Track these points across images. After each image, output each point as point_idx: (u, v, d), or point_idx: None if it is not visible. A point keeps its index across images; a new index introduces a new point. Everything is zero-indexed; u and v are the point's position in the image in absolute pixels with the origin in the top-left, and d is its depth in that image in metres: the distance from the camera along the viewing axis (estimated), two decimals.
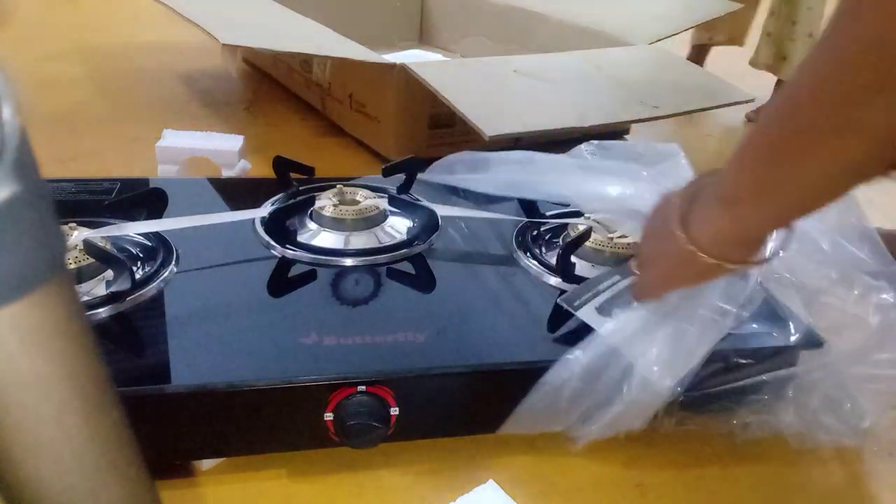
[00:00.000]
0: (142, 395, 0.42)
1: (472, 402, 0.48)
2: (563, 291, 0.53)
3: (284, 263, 0.56)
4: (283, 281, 0.54)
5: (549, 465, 0.48)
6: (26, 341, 0.24)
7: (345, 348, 0.46)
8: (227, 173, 0.78)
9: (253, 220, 0.59)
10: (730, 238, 0.42)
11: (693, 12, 1.10)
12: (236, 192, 0.68)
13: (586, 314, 0.50)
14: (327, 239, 0.58)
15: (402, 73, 0.82)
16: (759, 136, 0.40)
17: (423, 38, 1.40)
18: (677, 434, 0.50)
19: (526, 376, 0.47)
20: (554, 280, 0.55)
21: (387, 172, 0.66)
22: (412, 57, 1.07)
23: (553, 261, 0.56)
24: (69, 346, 0.25)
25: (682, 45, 1.06)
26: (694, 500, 0.46)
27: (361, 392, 0.44)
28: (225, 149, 0.78)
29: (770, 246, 0.44)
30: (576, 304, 0.50)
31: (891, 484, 0.49)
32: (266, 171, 0.66)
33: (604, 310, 0.50)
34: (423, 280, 0.56)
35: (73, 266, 0.50)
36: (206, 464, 0.46)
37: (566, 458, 0.49)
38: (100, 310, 0.47)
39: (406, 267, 0.57)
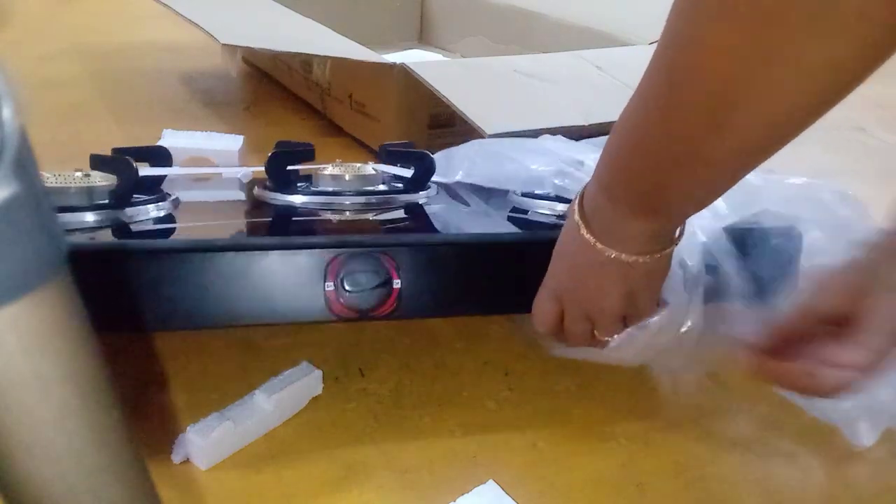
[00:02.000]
0: (138, 250, 0.43)
1: (475, 278, 0.48)
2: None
3: (285, 208, 0.57)
4: (285, 222, 0.56)
5: (549, 465, 0.48)
6: (26, 341, 0.24)
7: (346, 224, 0.48)
8: (227, 173, 0.78)
9: (254, 181, 0.61)
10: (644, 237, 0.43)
11: None
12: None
13: None
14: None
15: (402, 73, 0.82)
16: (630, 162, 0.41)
17: (423, 38, 1.40)
18: (677, 434, 0.50)
19: (530, 250, 0.48)
20: (561, 206, 0.56)
21: (382, 151, 0.67)
22: (412, 57, 1.06)
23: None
24: (69, 346, 0.25)
25: None
26: (694, 500, 0.46)
27: (362, 253, 0.44)
28: (225, 149, 0.78)
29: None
30: None
31: (892, 484, 0.49)
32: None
33: None
34: (423, 224, 0.57)
35: (81, 186, 0.50)
36: (207, 463, 0.46)
37: (566, 458, 0.49)
38: (107, 212, 0.49)
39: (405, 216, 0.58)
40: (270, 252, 0.43)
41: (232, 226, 0.54)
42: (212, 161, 0.78)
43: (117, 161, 0.51)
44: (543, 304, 0.48)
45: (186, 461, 0.46)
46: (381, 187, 0.61)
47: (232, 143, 0.79)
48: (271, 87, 1.15)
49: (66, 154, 0.88)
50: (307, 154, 0.61)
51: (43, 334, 0.24)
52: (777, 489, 0.48)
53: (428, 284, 0.46)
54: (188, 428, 0.46)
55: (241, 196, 0.63)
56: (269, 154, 0.59)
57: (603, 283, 0.45)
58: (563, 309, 0.48)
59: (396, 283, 0.44)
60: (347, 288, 0.43)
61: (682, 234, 0.45)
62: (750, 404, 0.54)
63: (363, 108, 0.92)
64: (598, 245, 0.43)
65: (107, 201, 0.50)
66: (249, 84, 1.18)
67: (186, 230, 0.52)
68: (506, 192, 0.60)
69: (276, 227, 0.55)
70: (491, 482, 0.45)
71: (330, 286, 0.44)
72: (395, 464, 0.47)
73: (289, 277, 0.44)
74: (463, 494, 0.44)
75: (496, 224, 0.55)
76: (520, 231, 0.49)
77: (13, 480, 0.25)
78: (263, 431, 0.48)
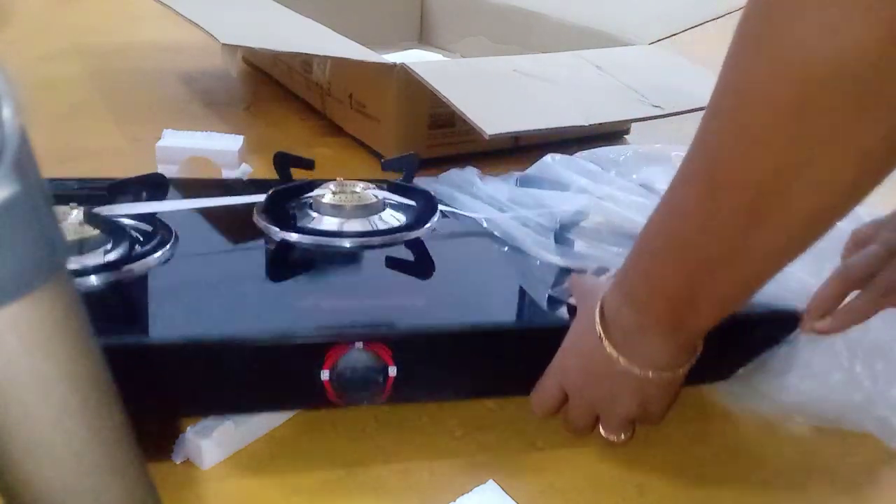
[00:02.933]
0: (136, 346, 0.42)
1: (472, 364, 0.47)
2: (564, 269, 0.54)
3: (283, 246, 0.56)
4: (282, 262, 0.55)
5: (549, 465, 0.48)
6: (26, 341, 0.24)
7: (343, 308, 0.46)
8: (227, 174, 0.78)
9: (253, 207, 0.60)
10: (665, 353, 0.42)
11: (693, 12, 1.10)
12: (236, 191, 0.68)
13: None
14: (326, 224, 0.59)
15: (402, 73, 0.82)
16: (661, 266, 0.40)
17: (423, 38, 1.40)
18: (677, 434, 0.50)
19: (528, 338, 0.47)
20: (555, 258, 0.55)
21: (386, 166, 0.66)
22: (412, 57, 1.06)
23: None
24: (69, 345, 0.25)
25: (683, 45, 1.06)
26: (694, 500, 0.46)
27: (359, 349, 0.44)
28: (225, 149, 0.78)
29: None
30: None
31: (893, 484, 0.49)
32: (266, 171, 0.66)
33: None
34: (422, 262, 0.56)
35: (73, 237, 0.50)
36: (207, 463, 0.46)
37: (566, 459, 0.49)
38: (96, 276, 0.47)
39: (405, 252, 0.57)
40: (266, 344, 0.43)
41: (230, 266, 0.53)
42: (212, 162, 0.78)
43: (113, 227, 0.50)
44: (547, 391, 0.47)
45: (186, 461, 0.46)
46: (384, 215, 0.60)
47: (232, 143, 0.79)
48: (271, 87, 1.15)
49: (67, 154, 0.88)
50: (307, 187, 0.61)
51: (43, 334, 0.24)
52: (777, 489, 0.48)
53: (424, 372, 0.46)
54: (188, 428, 0.46)
55: (241, 203, 0.62)
56: (267, 194, 0.59)
57: (618, 391, 0.44)
58: (568, 400, 0.47)
59: (392, 371, 0.44)
60: (343, 381, 0.43)
61: (700, 349, 0.44)
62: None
63: (363, 108, 0.92)
64: (622, 360, 0.43)
65: (102, 260, 0.49)
66: (249, 84, 1.18)
67: (183, 272, 0.51)
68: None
69: (275, 265, 0.54)
70: (491, 482, 0.45)
71: (326, 375, 0.44)
72: (395, 464, 0.47)
73: (285, 367, 0.44)
74: (463, 494, 0.44)
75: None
76: (518, 320, 0.48)
77: (13, 480, 0.25)
78: (263, 431, 0.48)
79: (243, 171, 0.79)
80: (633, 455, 0.49)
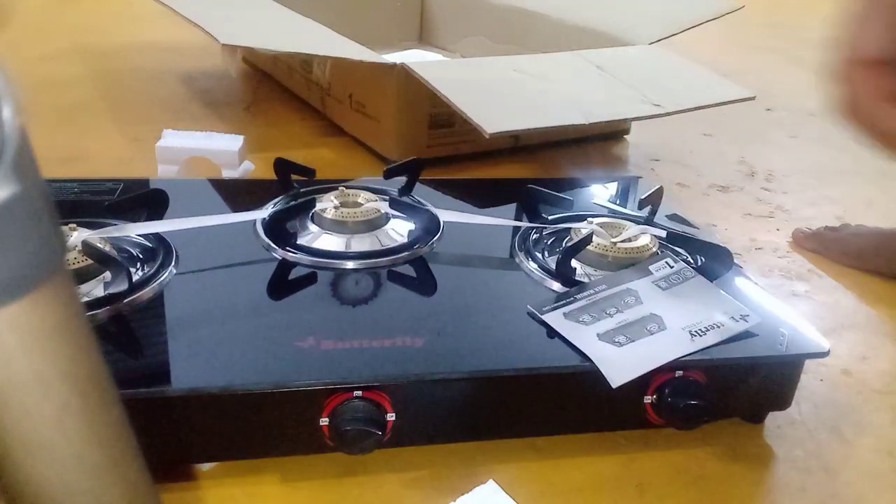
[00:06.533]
0: (136, 398, 0.41)
1: (469, 409, 0.47)
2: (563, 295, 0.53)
3: (284, 266, 0.56)
4: (282, 283, 0.54)
5: (549, 466, 0.48)
6: (26, 341, 0.24)
7: (342, 353, 0.46)
8: (227, 173, 0.78)
9: (254, 222, 0.59)
10: None
11: (693, 12, 1.10)
12: (236, 194, 0.68)
13: (552, 319, 0.50)
14: (328, 241, 0.58)
15: (402, 73, 0.82)
16: None
17: (423, 38, 1.40)
18: (677, 434, 0.50)
19: (524, 383, 0.47)
20: (556, 285, 0.55)
21: (388, 174, 0.66)
22: (412, 57, 1.07)
23: (555, 265, 0.56)
24: (69, 346, 0.25)
25: (683, 45, 1.06)
26: (694, 500, 0.46)
27: (357, 398, 0.44)
28: (225, 149, 0.78)
29: None
30: (543, 308, 0.51)
31: (892, 484, 0.49)
32: (266, 171, 0.66)
33: (571, 315, 0.50)
34: (423, 283, 0.56)
35: (72, 267, 0.50)
36: (207, 464, 0.46)
37: (566, 459, 0.49)
38: (97, 311, 0.47)
39: (407, 270, 0.57)
40: (267, 392, 0.43)
41: (229, 295, 0.52)
42: (212, 161, 0.78)
43: (112, 261, 0.50)
44: None
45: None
46: (388, 229, 0.60)
47: (232, 142, 0.79)
48: (271, 87, 1.15)
49: (67, 154, 0.88)
50: (308, 204, 0.61)
51: (43, 334, 0.24)
52: (777, 489, 0.48)
53: (421, 416, 0.46)
54: None
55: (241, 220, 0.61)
56: (268, 214, 0.59)
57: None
58: None
59: (390, 416, 0.44)
60: (342, 428, 0.43)
61: None
62: None
63: (363, 108, 0.92)
64: None
65: (103, 293, 0.49)
66: (249, 84, 1.18)
67: (183, 299, 0.51)
68: None
69: (274, 292, 0.53)
70: (491, 482, 0.45)
71: (325, 421, 0.44)
72: (395, 464, 0.47)
73: (283, 414, 0.44)
74: (463, 494, 0.44)
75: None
76: (507, 368, 0.47)
77: (13, 480, 0.25)
78: None
79: (245, 168, 0.79)
80: (633, 455, 0.49)
